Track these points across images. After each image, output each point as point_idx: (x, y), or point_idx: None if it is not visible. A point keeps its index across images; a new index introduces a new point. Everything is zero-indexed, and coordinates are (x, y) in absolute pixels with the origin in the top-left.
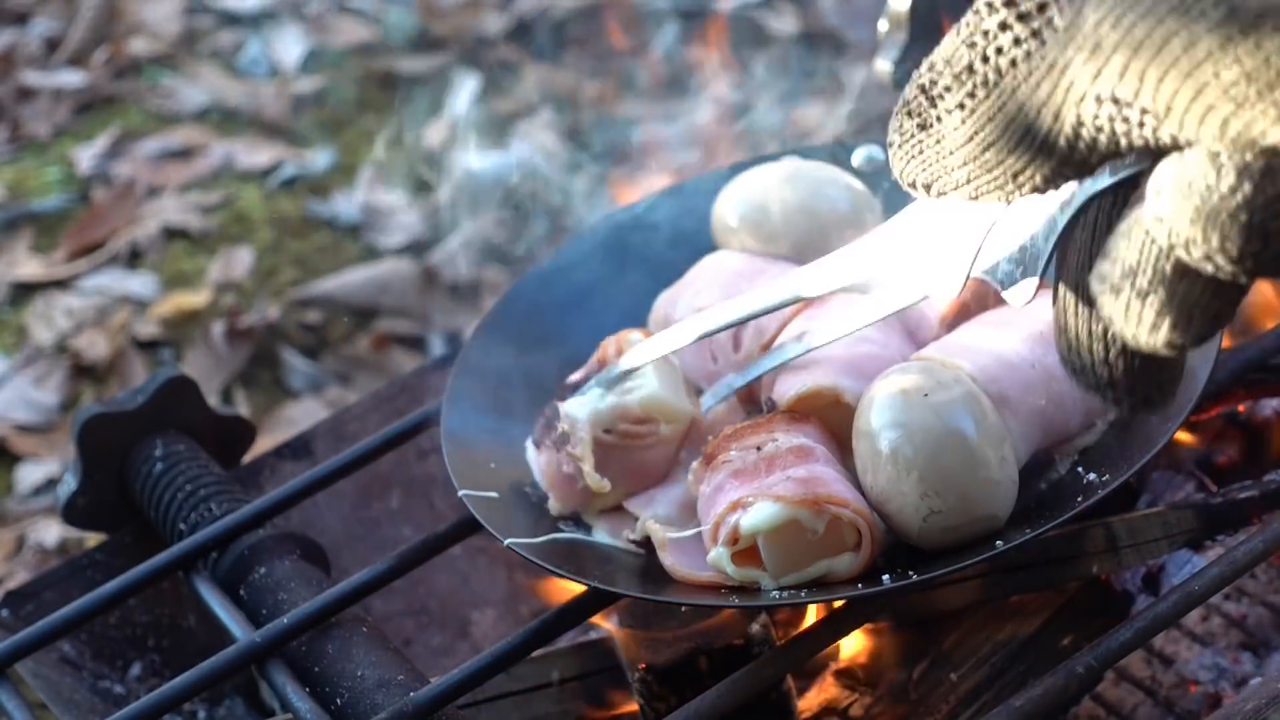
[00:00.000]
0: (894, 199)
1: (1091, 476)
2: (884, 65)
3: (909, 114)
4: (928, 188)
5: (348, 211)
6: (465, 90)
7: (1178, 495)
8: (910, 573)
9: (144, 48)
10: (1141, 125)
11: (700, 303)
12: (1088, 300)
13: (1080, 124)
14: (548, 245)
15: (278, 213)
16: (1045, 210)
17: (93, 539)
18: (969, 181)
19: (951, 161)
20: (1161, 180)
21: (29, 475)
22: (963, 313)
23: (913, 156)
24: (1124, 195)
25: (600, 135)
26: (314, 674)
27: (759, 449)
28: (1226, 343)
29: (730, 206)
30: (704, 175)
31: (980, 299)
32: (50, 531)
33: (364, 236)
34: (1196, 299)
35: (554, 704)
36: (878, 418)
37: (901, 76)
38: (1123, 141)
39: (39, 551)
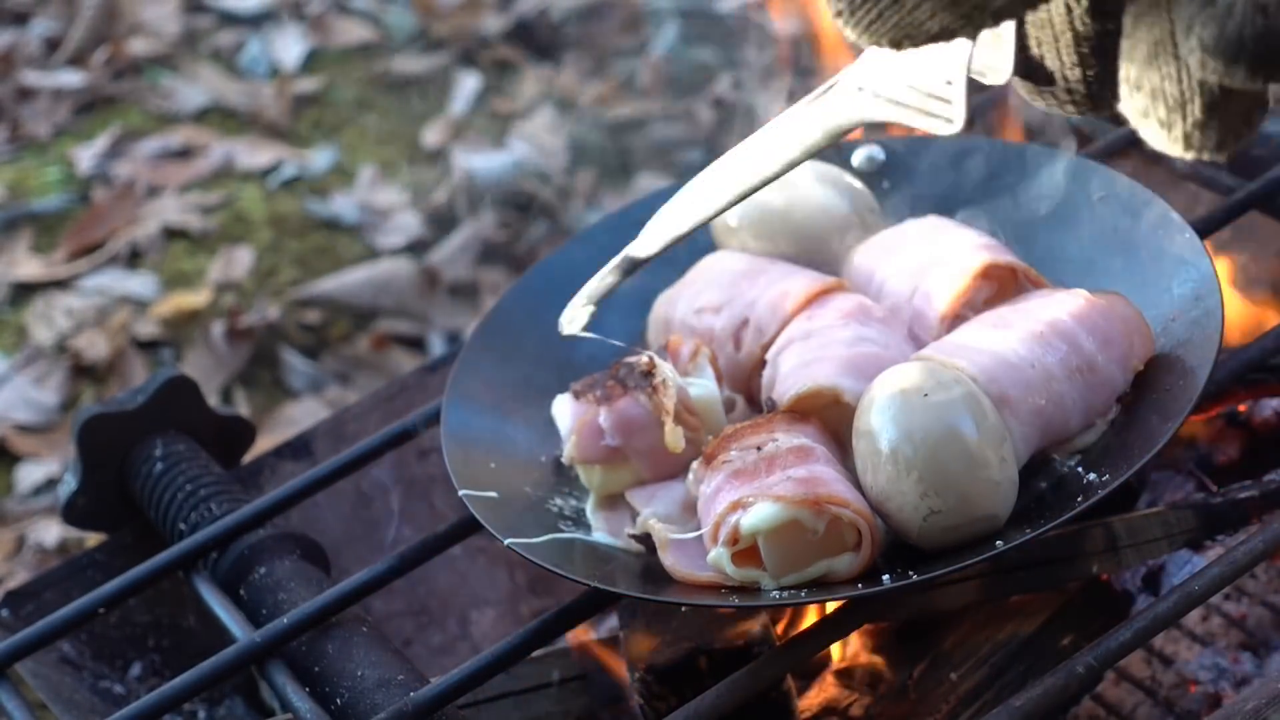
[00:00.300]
0: (893, 199)
1: (1091, 476)
2: None
3: None
4: (897, 44)
5: (348, 211)
6: (465, 90)
7: (1178, 495)
8: (910, 573)
9: (144, 48)
10: None
11: (700, 303)
12: (1085, 66)
13: None
14: (547, 245)
15: (278, 213)
16: None
17: (93, 539)
18: (944, 28)
19: (919, 15)
20: (1202, 32)
21: (29, 475)
22: (963, 313)
23: (873, 21)
24: None
25: (599, 135)
26: (314, 674)
27: (759, 449)
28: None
29: None
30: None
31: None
32: (50, 531)
33: (364, 236)
34: (1253, 105)
35: (554, 704)
36: (878, 418)
37: None
38: None
39: (39, 551)
